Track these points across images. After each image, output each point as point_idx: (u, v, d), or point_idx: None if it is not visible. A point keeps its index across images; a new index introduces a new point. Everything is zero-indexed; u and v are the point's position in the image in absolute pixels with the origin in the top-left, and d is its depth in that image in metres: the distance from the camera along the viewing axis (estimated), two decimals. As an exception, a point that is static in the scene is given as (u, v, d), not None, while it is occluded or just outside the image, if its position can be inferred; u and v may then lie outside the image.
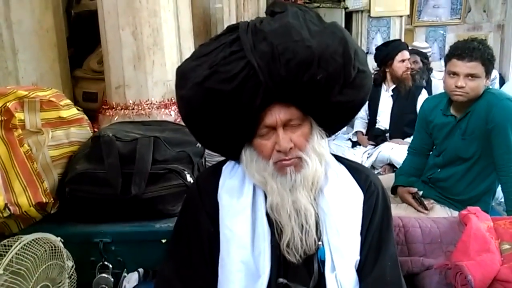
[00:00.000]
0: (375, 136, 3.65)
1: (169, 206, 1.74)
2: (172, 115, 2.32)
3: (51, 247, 1.49)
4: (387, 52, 3.62)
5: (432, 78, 4.53)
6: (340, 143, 3.83)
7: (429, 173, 2.44)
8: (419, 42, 5.47)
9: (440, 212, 2.31)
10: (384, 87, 3.68)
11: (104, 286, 1.65)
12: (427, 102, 2.52)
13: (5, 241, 1.41)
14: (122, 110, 2.30)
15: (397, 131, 3.57)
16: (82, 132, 1.94)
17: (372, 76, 1.26)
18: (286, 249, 1.18)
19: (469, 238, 1.61)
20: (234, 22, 3.95)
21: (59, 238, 1.54)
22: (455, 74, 2.15)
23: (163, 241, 1.66)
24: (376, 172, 3.26)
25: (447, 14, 6.94)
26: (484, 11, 6.85)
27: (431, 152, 2.50)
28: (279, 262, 1.20)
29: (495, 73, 4.71)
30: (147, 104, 2.29)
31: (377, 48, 3.82)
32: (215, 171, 1.31)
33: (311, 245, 1.18)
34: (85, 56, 3.15)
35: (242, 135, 1.19)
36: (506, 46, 6.52)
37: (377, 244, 1.22)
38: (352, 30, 6.54)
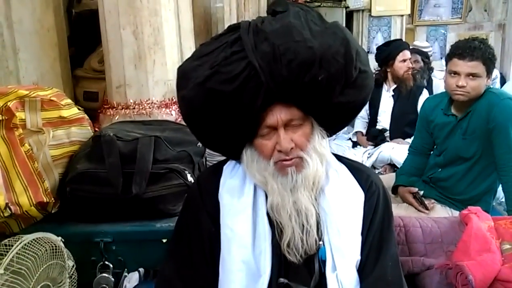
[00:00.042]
0: (374, 137, 3.65)
1: (170, 205, 1.74)
2: (173, 114, 2.32)
3: (52, 246, 1.49)
4: (388, 52, 3.61)
5: (433, 78, 4.52)
6: (341, 143, 3.82)
7: (430, 173, 2.44)
8: (420, 42, 5.48)
9: (441, 212, 2.31)
10: (385, 87, 3.67)
11: (104, 285, 1.65)
12: (428, 102, 2.52)
13: (5, 240, 1.41)
14: (123, 109, 2.30)
15: (397, 131, 3.56)
16: (83, 132, 1.94)
17: (373, 76, 1.25)
18: (287, 249, 1.18)
19: (469, 238, 1.61)
20: (234, 21, 3.95)
21: (59, 238, 1.54)
22: (456, 73, 2.15)
23: (164, 240, 1.66)
24: (376, 172, 3.25)
25: (448, 13, 6.93)
26: (485, 11, 6.84)
27: (432, 152, 2.50)
28: (280, 262, 1.20)
29: (496, 73, 4.70)
30: (148, 104, 2.29)
31: (378, 48, 3.82)
32: (216, 171, 1.31)
33: (312, 245, 1.18)
34: (86, 55, 3.15)
35: (243, 135, 1.19)
36: (507, 46, 6.51)
37: (378, 244, 1.22)
38: (353, 30, 6.53)
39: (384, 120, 3.66)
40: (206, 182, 1.31)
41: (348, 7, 6.40)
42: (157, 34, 2.27)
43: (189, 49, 2.56)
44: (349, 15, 6.58)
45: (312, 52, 1.07)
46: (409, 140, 3.02)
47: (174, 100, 2.34)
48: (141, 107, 2.29)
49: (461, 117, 2.24)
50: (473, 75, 2.11)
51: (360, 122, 3.81)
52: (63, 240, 1.55)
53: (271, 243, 1.20)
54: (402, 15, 6.46)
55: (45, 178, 1.68)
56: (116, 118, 2.29)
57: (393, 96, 3.62)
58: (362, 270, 1.21)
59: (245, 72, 1.08)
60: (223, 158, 1.35)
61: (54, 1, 2.50)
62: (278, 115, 1.13)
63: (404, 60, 3.56)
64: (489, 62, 2.12)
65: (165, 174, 1.72)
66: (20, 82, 2.29)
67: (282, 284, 1.19)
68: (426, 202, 2.35)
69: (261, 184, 1.20)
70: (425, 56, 4.49)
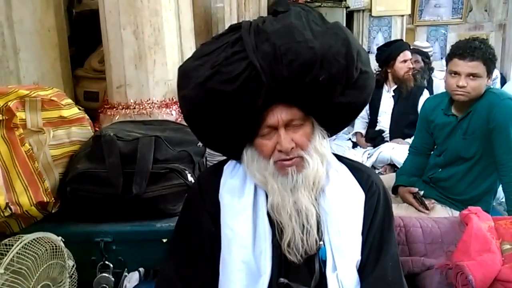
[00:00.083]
0: (372, 139, 3.65)
1: (170, 205, 1.74)
2: (173, 114, 2.32)
3: (52, 246, 1.49)
4: (389, 52, 3.60)
5: (433, 78, 4.52)
6: (341, 143, 3.82)
7: (430, 173, 2.44)
8: (420, 42, 5.48)
9: (441, 212, 2.31)
10: (385, 87, 3.67)
11: (104, 285, 1.65)
12: (428, 102, 2.52)
13: (6, 240, 1.41)
14: (123, 109, 2.30)
15: (397, 131, 3.56)
16: (83, 132, 1.94)
17: (374, 76, 1.25)
18: (287, 249, 1.18)
19: (470, 238, 1.61)
20: (235, 21, 3.95)
21: (60, 238, 1.54)
22: (456, 73, 2.15)
23: (164, 240, 1.66)
24: (377, 172, 3.25)
25: (448, 13, 6.92)
26: (486, 11, 6.83)
27: (432, 152, 2.50)
28: (280, 262, 1.20)
29: (496, 73, 4.70)
30: (148, 104, 2.29)
31: (379, 49, 3.81)
32: (216, 171, 1.31)
33: (312, 245, 1.18)
34: (87, 55, 3.15)
35: (243, 135, 1.19)
36: (508, 46, 6.51)
37: (379, 244, 1.22)
38: (353, 30, 6.52)
39: (384, 121, 3.66)
40: (206, 182, 1.31)
41: (348, 7, 6.39)
42: (157, 34, 2.27)
43: (190, 49, 2.56)
44: (350, 15, 6.58)
45: (313, 52, 1.07)
46: (409, 140, 3.02)
47: (174, 100, 2.34)
48: (141, 107, 2.29)
49: (462, 117, 2.24)
50: (474, 75, 2.11)
51: (360, 123, 3.80)
52: (63, 239, 1.55)
53: (271, 243, 1.20)
54: (402, 15, 6.45)
55: (45, 178, 1.68)
56: (117, 118, 2.29)
57: (393, 96, 3.62)
58: (362, 270, 1.21)
59: (246, 72, 1.08)
60: (223, 158, 1.35)
61: (54, 1, 2.50)
62: (278, 115, 1.13)
63: (405, 61, 3.55)
64: (489, 62, 2.12)
65: (166, 174, 1.72)
66: (20, 82, 2.29)
67: (282, 284, 1.19)
68: (426, 202, 2.35)
69: (261, 184, 1.20)
70: (426, 56, 4.49)
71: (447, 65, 2.25)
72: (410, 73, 3.58)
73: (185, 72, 1.18)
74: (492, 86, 2.34)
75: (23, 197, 1.59)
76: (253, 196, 1.22)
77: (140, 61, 2.27)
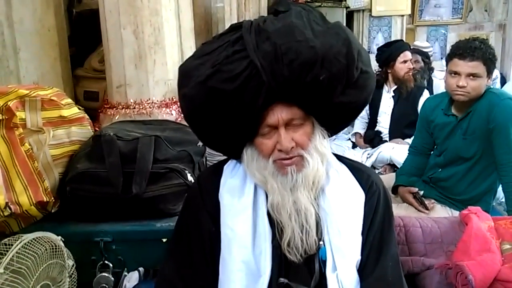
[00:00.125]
0: (370, 140, 3.65)
1: (170, 205, 1.74)
2: (173, 114, 2.32)
3: (52, 246, 1.49)
4: (389, 53, 3.60)
5: (433, 78, 4.52)
6: (341, 143, 3.82)
7: (430, 173, 2.44)
8: (421, 42, 5.48)
9: (441, 212, 2.31)
10: (385, 88, 3.66)
11: (104, 285, 1.65)
12: (428, 102, 2.51)
13: (5, 240, 1.41)
14: (123, 109, 2.30)
15: (397, 131, 3.56)
16: (83, 131, 1.94)
17: (375, 76, 1.26)
18: (287, 248, 1.18)
19: (469, 238, 1.61)
20: (235, 21, 3.94)
21: (59, 237, 1.54)
22: (456, 73, 2.15)
23: (164, 240, 1.66)
24: (376, 172, 3.25)
25: (448, 13, 6.92)
26: (486, 11, 6.83)
27: (432, 152, 2.50)
28: (280, 262, 1.20)
29: (496, 73, 4.70)
30: (148, 103, 2.29)
31: (379, 49, 3.80)
32: (216, 171, 1.31)
33: (312, 245, 1.18)
34: (87, 55, 3.15)
35: (244, 134, 1.19)
36: (508, 46, 6.50)
37: (379, 244, 1.22)
38: (353, 30, 6.52)
39: (384, 121, 3.66)
40: (206, 181, 1.31)
41: (348, 7, 6.39)
42: (157, 33, 2.27)
43: (190, 49, 2.56)
44: (350, 15, 6.58)
45: (314, 52, 1.07)
46: (409, 141, 3.01)
47: (174, 99, 2.34)
48: (141, 107, 2.29)
49: (462, 117, 2.24)
50: (474, 75, 2.11)
51: (360, 123, 3.80)
52: (63, 239, 1.55)
53: (271, 243, 1.20)
54: (402, 15, 6.45)
55: (45, 177, 1.68)
56: (117, 117, 2.29)
57: (393, 97, 3.62)
58: (362, 270, 1.21)
59: (247, 71, 1.08)
60: (223, 157, 1.35)
61: (54, 0, 2.50)
62: (279, 114, 1.13)
63: (405, 61, 3.55)
64: (489, 62, 2.12)
65: (165, 173, 1.72)
66: (20, 81, 2.29)
67: (282, 284, 1.19)
68: (426, 202, 2.35)
69: (261, 183, 1.20)
70: (426, 56, 4.49)
71: (447, 65, 2.25)
72: (410, 73, 3.58)
73: (186, 71, 1.18)
74: (492, 86, 2.34)
75: (23, 196, 1.59)
76: (253, 196, 1.22)
77: (140, 60, 2.27)
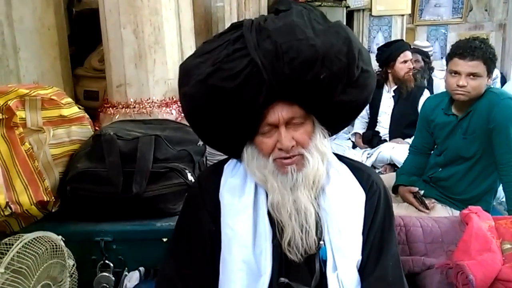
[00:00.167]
0: (368, 141, 3.65)
1: (170, 205, 1.74)
2: (173, 113, 2.32)
3: (52, 245, 1.49)
4: (389, 53, 3.59)
5: (433, 77, 4.52)
6: (341, 142, 3.82)
7: (430, 173, 2.44)
8: (421, 41, 5.47)
9: (441, 212, 2.31)
10: (386, 88, 3.66)
11: (105, 284, 1.65)
12: (429, 101, 2.51)
13: (6, 239, 1.41)
14: (123, 108, 2.30)
15: (397, 131, 3.55)
16: (83, 131, 1.94)
17: (376, 76, 1.26)
18: (288, 247, 1.18)
19: (470, 238, 1.61)
20: (235, 20, 3.93)
21: (60, 237, 1.54)
22: (456, 73, 2.15)
23: (164, 240, 1.66)
24: (377, 171, 3.25)
25: (448, 13, 6.91)
26: (486, 10, 6.83)
27: (432, 152, 2.50)
28: (281, 262, 1.20)
29: (496, 72, 4.70)
30: (148, 103, 2.29)
31: (379, 49, 3.80)
32: (217, 170, 1.31)
33: (312, 245, 1.18)
34: (87, 54, 3.15)
35: (244, 132, 1.18)
36: (508, 45, 6.50)
37: (379, 244, 1.22)
38: (354, 29, 6.51)
39: (384, 121, 3.65)
40: (206, 181, 1.30)
41: (348, 6, 6.38)
42: (157, 33, 2.27)
43: (190, 48, 2.56)
44: (350, 14, 6.57)
45: (315, 50, 1.07)
46: (409, 140, 3.01)
47: (174, 99, 2.34)
48: (141, 106, 2.29)
49: (462, 116, 2.24)
50: (474, 75, 2.11)
51: (360, 123, 3.79)
52: (63, 239, 1.55)
53: (272, 243, 1.19)
54: (402, 15, 6.45)
55: (45, 177, 1.68)
56: (117, 117, 2.29)
57: (393, 97, 3.61)
58: (363, 270, 1.21)
59: (247, 69, 1.08)
60: (223, 157, 1.35)
61: (54, 0, 2.49)
62: (279, 113, 1.13)
63: (405, 61, 3.54)
64: (489, 61, 2.12)
65: (166, 173, 1.71)
66: (20, 81, 2.29)
67: (282, 284, 1.19)
68: (427, 201, 2.35)
69: (261, 182, 1.20)
70: (426, 56, 4.49)
71: (447, 64, 2.25)
72: (411, 73, 3.58)
73: (186, 69, 1.18)
74: (492, 86, 2.34)
75: (23, 196, 1.59)
76: (254, 195, 1.22)
77: (140, 60, 2.27)
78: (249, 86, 1.09)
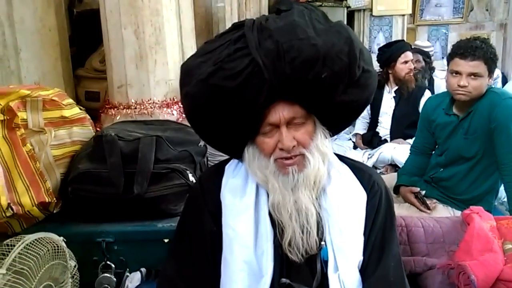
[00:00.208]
0: (368, 142, 3.64)
1: (172, 205, 1.74)
2: (174, 114, 2.32)
3: (54, 246, 1.49)
4: (389, 53, 3.59)
5: (434, 77, 4.52)
6: (342, 143, 3.82)
7: (431, 173, 2.44)
8: (421, 41, 5.46)
9: (443, 212, 2.31)
10: (386, 88, 3.65)
11: (106, 285, 1.65)
12: (430, 101, 2.51)
13: (8, 240, 1.41)
14: (124, 109, 2.30)
15: (398, 132, 3.55)
16: (84, 132, 1.94)
17: (377, 76, 1.26)
18: (288, 248, 1.18)
19: (472, 238, 1.61)
20: (236, 21, 3.94)
21: (61, 238, 1.54)
22: (457, 73, 2.14)
23: (166, 240, 1.66)
24: (378, 172, 3.25)
25: (449, 13, 6.91)
26: (487, 10, 6.83)
27: (433, 152, 2.49)
28: (282, 262, 1.20)
29: (497, 72, 4.70)
30: (149, 104, 2.29)
31: (380, 49, 3.79)
32: (218, 170, 1.31)
33: (312, 245, 1.18)
34: (88, 55, 3.15)
35: (245, 132, 1.18)
36: (509, 45, 6.50)
37: (381, 244, 1.22)
38: (354, 29, 6.51)
39: (385, 122, 3.65)
40: (208, 181, 1.30)
41: (349, 6, 6.39)
42: (158, 33, 2.27)
43: (190, 48, 2.56)
44: (350, 14, 6.58)
45: (316, 50, 1.07)
46: (410, 141, 3.01)
47: (175, 100, 2.34)
48: (142, 107, 2.29)
49: (463, 116, 2.23)
50: (475, 75, 2.11)
51: (361, 123, 3.79)
52: (65, 240, 1.55)
53: (273, 243, 1.19)
54: (403, 15, 6.46)
55: (47, 178, 1.68)
56: (118, 118, 2.29)
57: (394, 97, 3.60)
58: (364, 270, 1.21)
59: (249, 69, 1.08)
60: (225, 157, 1.35)
61: (55, 0, 2.50)
62: (280, 112, 1.13)
63: (406, 62, 3.53)
64: (490, 61, 2.12)
65: (167, 174, 1.71)
66: (21, 81, 2.29)
67: (284, 284, 1.19)
68: (428, 202, 2.35)
69: (263, 182, 1.20)
70: (427, 56, 4.48)
71: (448, 64, 2.24)
72: (411, 74, 3.57)
73: (188, 69, 1.18)
74: (493, 86, 2.34)
75: (25, 197, 1.59)
76: (255, 196, 1.22)
77: (141, 60, 2.27)
78: (250, 85, 1.09)
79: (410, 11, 6.51)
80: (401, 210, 2.30)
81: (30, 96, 1.65)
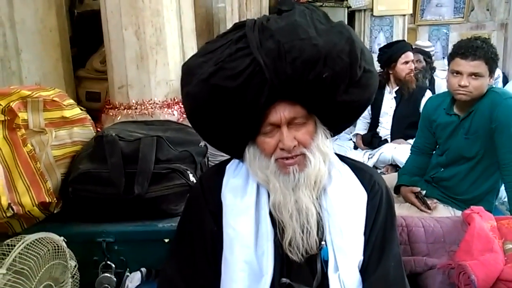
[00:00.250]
0: (368, 143, 3.64)
1: (172, 205, 1.74)
2: (175, 114, 2.32)
3: (54, 246, 1.49)
4: (390, 53, 3.58)
5: (435, 77, 4.51)
6: (343, 143, 3.81)
7: (432, 173, 2.44)
8: (422, 41, 5.46)
9: (443, 212, 2.30)
10: (387, 88, 3.65)
11: (106, 285, 1.65)
12: (431, 101, 2.51)
13: (8, 240, 1.41)
14: (125, 109, 2.30)
15: (399, 132, 3.54)
16: (85, 132, 1.95)
17: (378, 76, 1.27)
18: (288, 247, 1.18)
19: (472, 238, 1.61)
20: (236, 21, 3.94)
21: (62, 238, 1.54)
22: (458, 73, 2.14)
23: (166, 240, 1.66)
24: (379, 172, 3.25)
25: (450, 13, 6.90)
26: (488, 10, 6.82)
27: (434, 152, 2.49)
28: (282, 262, 1.20)
29: (498, 72, 4.69)
30: (150, 104, 2.30)
31: (381, 50, 3.79)
32: (219, 170, 1.31)
33: (313, 245, 1.18)
34: (88, 55, 3.16)
35: (246, 132, 1.18)
36: (510, 45, 6.49)
37: (381, 244, 1.22)
38: (355, 29, 6.51)
39: (385, 122, 3.65)
40: (208, 181, 1.31)
41: (350, 6, 6.39)
42: (159, 34, 2.28)
43: (191, 49, 2.56)
44: (351, 14, 6.58)
45: (317, 50, 1.07)
46: (411, 141, 3.01)
47: (176, 100, 2.34)
48: (143, 107, 2.29)
49: (464, 116, 2.23)
50: (476, 75, 2.11)
51: (362, 124, 3.78)
52: (65, 240, 1.55)
53: (274, 243, 1.19)
54: (404, 15, 6.45)
55: (47, 178, 1.69)
56: (118, 118, 2.29)
57: (395, 98, 3.60)
58: (364, 270, 1.21)
59: (250, 69, 1.08)
60: (225, 157, 1.35)
61: (56, 1, 2.50)
62: (281, 112, 1.13)
63: (407, 62, 3.53)
64: (491, 61, 2.12)
65: (167, 174, 1.72)
66: (22, 82, 2.30)
67: (284, 284, 1.19)
68: (429, 201, 2.35)
69: (263, 182, 1.20)
70: (427, 56, 4.47)
71: (449, 64, 2.24)
72: (412, 74, 3.56)
73: (189, 69, 1.18)
74: (494, 86, 2.33)
75: (25, 197, 1.59)
76: (256, 196, 1.22)
77: (142, 61, 2.28)
78: (251, 85, 1.09)
79: (411, 11, 6.51)
80: (402, 210, 2.30)
81: (31, 97, 1.66)
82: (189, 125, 1.29)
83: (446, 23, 6.94)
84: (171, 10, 2.33)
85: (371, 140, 3.62)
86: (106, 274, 1.67)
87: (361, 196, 1.24)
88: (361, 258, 1.21)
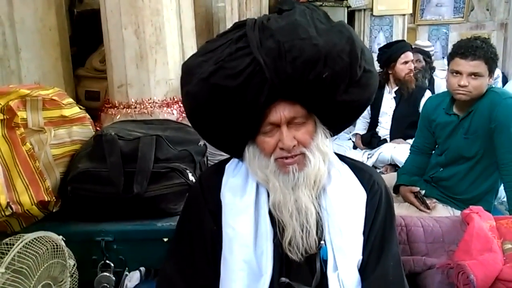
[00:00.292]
0: (367, 143, 3.64)
1: (171, 204, 1.74)
2: (174, 114, 2.32)
3: (53, 245, 1.49)
4: (390, 53, 3.58)
5: (434, 77, 4.51)
6: (342, 143, 3.82)
7: (431, 172, 2.44)
8: (422, 41, 5.46)
9: (443, 211, 2.31)
10: (387, 88, 3.65)
11: (105, 284, 1.65)
12: (430, 101, 2.51)
13: (7, 239, 1.41)
14: (125, 109, 2.30)
15: (398, 132, 3.55)
16: (84, 131, 1.94)
17: (378, 76, 1.27)
18: (288, 247, 1.18)
19: (471, 238, 1.61)
20: (236, 21, 3.94)
21: (61, 237, 1.54)
22: (458, 73, 2.14)
23: (165, 240, 1.66)
24: (378, 171, 3.24)
25: (450, 12, 6.90)
26: (487, 10, 6.82)
27: (433, 151, 2.49)
28: (281, 262, 1.20)
29: (498, 72, 4.69)
30: (149, 103, 2.30)
31: (380, 50, 3.79)
32: (218, 170, 1.31)
33: (312, 244, 1.18)
34: (88, 55, 3.16)
35: (246, 131, 1.18)
36: (509, 45, 6.49)
37: (380, 244, 1.22)
38: (355, 29, 6.45)
39: (385, 122, 3.65)
40: (208, 180, 1.31)
41: (350, 6, 6.40)
42: (158, 33, 2.28)
43: (191, 48, 2.56)
44: (351, 14, 6.58)
45: (317, 49, 1.07)
46: (410, 141, 3.01)
47: (175, 99, 2.34)
48: (142, 107, 2.29)
49: (463, 116, 2.23)
50: (475, 75, 2.11)
51: (361, 123, 3.79)
52: (64, 239, 1.55)
53: (273, 243, 1.19)
54: (404, 15, 6.45)
55: (46, 177, 1.68)
56: (118, 117, 2.29)
57: (395, 98, 3.60)
58: (363, 270, 1.21)
59: (250, 68, 1.08)
60: (225, 157, 1.35)
61: (56, 0, 2.50)
62: (281, 112, 1.13)
63: (406, 62, 3.53)
64: (491, 61, 2.12)
65: (167, 173, 1.71)
66: (22, 81, 2.30)
67: (283, 284, 1.19)
68: (428, 201, 2.35)
69: (263, 181, 1.20)
70: (427, 56, 4.48)
71: (448, 64, 2.24)
72: (411, 74, 3.56)
73: (189, 68, 1.18)
74: (493, 85, 2.33)
75: (24, 196, 1.59)
76: (255, 195, 1.22)
77: (141, 60, 2.28)
78: (251, 84, 1.09)
79: (410, 11, 6.51)
80: (401, 210, 2.30)
81: (30, 96, 1.66)
82: (189, 124, 1.29)
83: (446, 23, 6.94)
84: (170, 9, 2.33)
85: (371, 140, 3.62)
86: (105, 273, 1.67)
87: (360, 195, 1.24)
88: (360, 257, 1.21)
